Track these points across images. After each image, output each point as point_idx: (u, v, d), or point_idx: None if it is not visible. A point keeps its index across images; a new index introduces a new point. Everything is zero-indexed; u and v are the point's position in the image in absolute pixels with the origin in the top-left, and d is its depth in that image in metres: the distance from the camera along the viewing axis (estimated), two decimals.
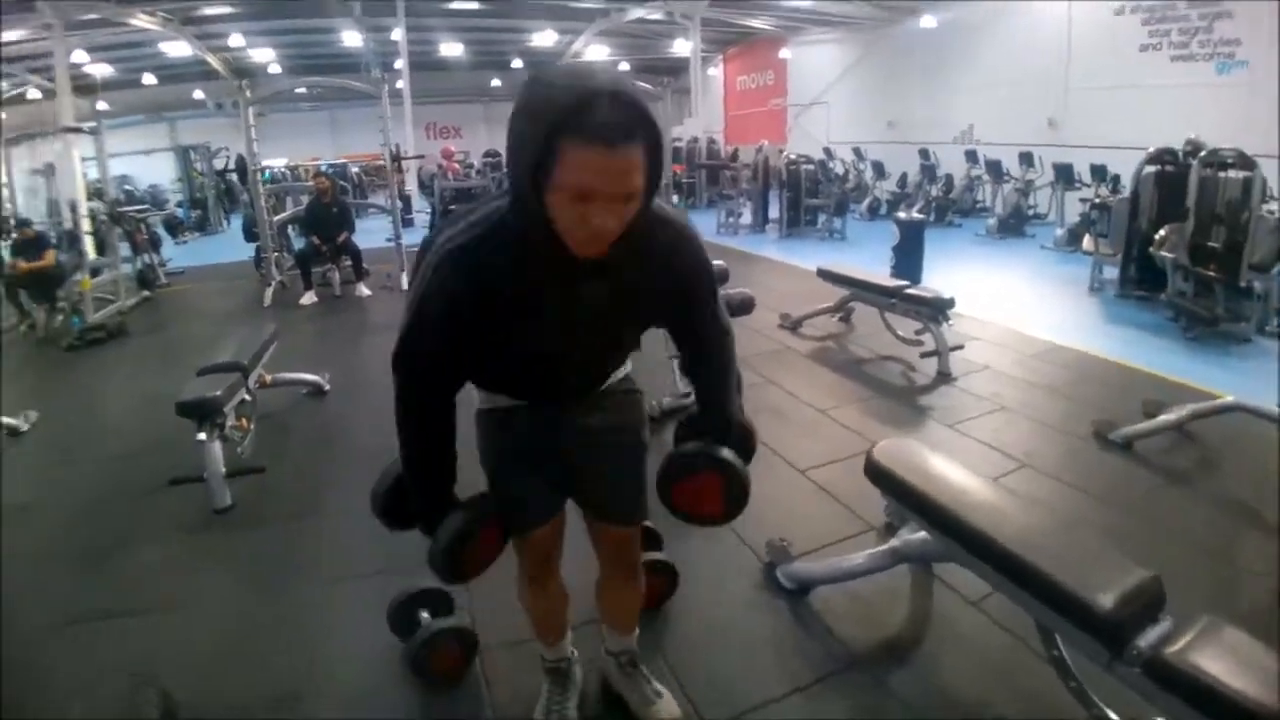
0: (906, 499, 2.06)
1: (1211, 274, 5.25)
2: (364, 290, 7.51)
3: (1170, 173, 5.97)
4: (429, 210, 11.99)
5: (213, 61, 15.64)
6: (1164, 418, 3.40)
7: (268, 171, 13.57)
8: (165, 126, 20.04)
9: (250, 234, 8.63)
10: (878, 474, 2.17)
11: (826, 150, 14.05)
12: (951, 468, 2.14)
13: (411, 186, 14.13)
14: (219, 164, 16.13)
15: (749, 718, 1.86)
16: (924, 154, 12.24)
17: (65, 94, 10.59)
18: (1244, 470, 3.10)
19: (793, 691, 1.93)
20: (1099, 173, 8.93)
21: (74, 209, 8.37)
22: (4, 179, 8.80)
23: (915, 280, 6.19)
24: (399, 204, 8.94)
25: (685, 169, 15.25)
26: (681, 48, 16.40)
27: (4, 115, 12.39)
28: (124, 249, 8.19)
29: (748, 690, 1.94)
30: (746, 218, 11.51)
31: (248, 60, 17.21)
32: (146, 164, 17.69)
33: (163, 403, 3.22)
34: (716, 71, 20.80)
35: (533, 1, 14.31)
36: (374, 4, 13.02)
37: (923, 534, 2.10)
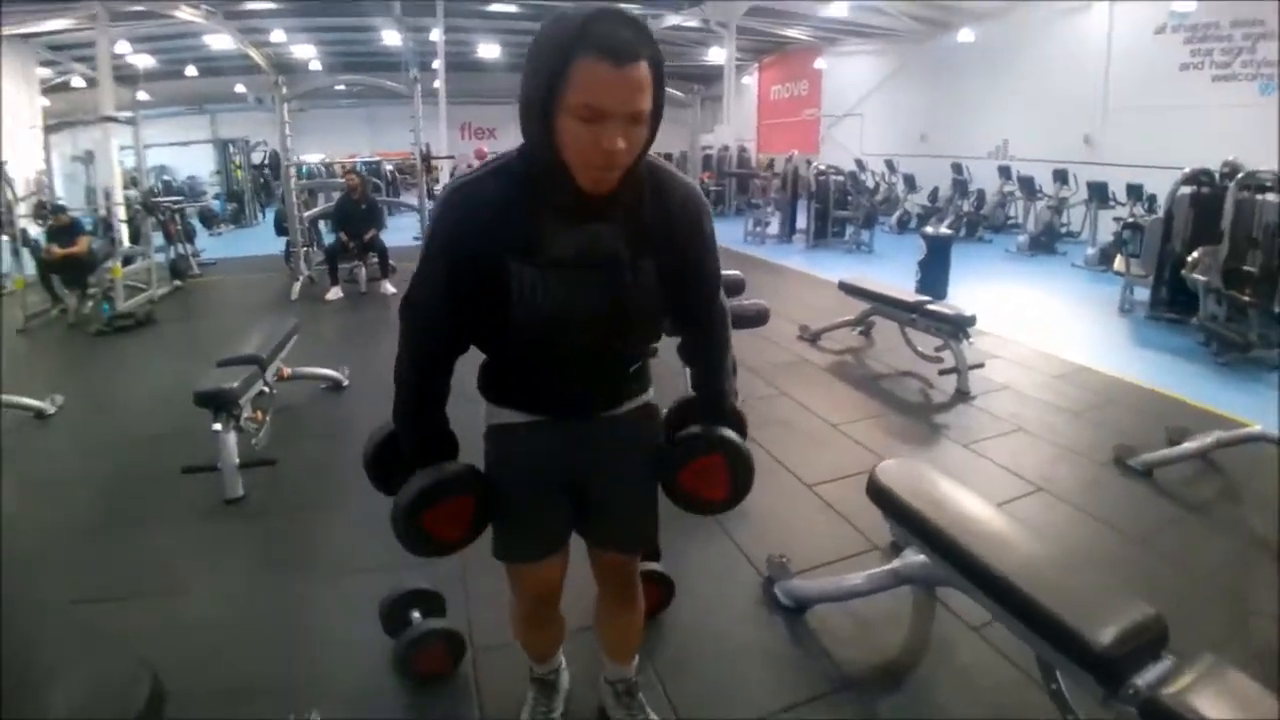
0: (907, 521, 2.02)
1: (1245, 298, 5.11)
2: (389, 288, 7.58)
3: (1206, 194, 5.84)
4: None
5: (255, 56, 15.96)
6: (1188, 445, 3.31)
7: (304, 167, 13.85)
8: (206, 118, 20.48)
9: (281, 228, 8.78)
10: (879, 494, 2.13)
11: (858, 162, 13.96)
12: (956, 490, 2.10)
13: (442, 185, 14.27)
14: (256, 158, 16.46)
15: None
16: (957, 168, 12.11)
17: (107, 83, 10.86)
18: (1267, 503, 2.99)
19: (781, 710, 1.90)
20: (1135, 192, 8.77)
21: (108, 197, 8.57)
22: (45, 165, 9.02)
23: (941, 296, 6.13)
24: (429, 203, 9.04)
25: (714, 176, 15.25)
26: (716, 55, 16.41)
27: (48, 102, 12.76)
28: (158, 239, 8.37)
29: (734, 705, 1.92)
30: (774, 227, 11.47)
31: (289, 56, 17.57)
32: (186, 155, 18.03)
33: (184, 391, 3.27)
34: (751, 80, 20.76)
35: (568, 6, 14.39)
36: (414, 4, 13.20)
37: (923, 557, 2.06)
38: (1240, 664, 1.43)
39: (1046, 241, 9.91)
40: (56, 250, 6.75)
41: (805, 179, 10.91)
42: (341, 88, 17.77)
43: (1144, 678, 1.42)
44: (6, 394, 4.18)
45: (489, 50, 17.10)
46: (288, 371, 4.23)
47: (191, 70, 17.71)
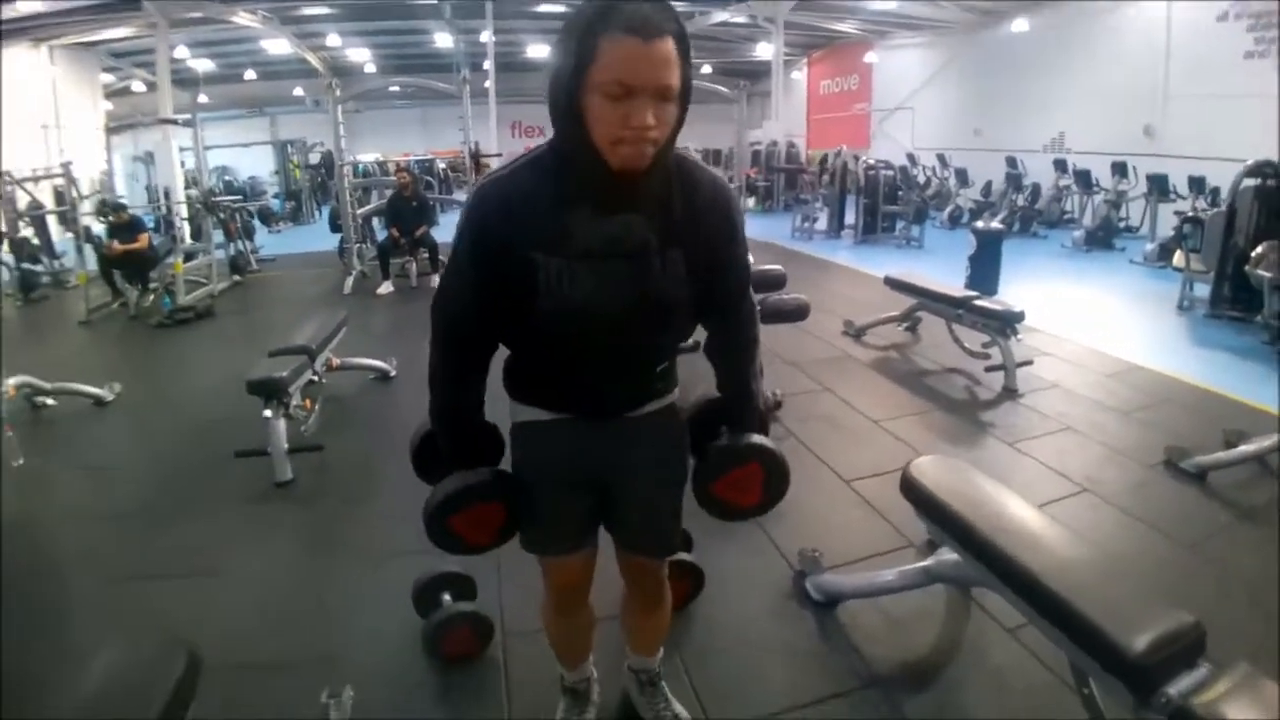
0: (939, 518, 2.00)
1: None
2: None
3: (1271, 186, 5.59)
4: None
5: (311, 59, 16.42)
6: (1244, 448, 3.18)
7: (360, 166, 14.22)
8: (266, 121, 21.16)
9: (336, 225, 9.04)
10: (913, 490, 2.11)
11: (910, 156, 13.70)
12: (992, 488, 2.06)
13: None
14: (314, 158, 16.96)
15: None
16: (1011, 162, 11.79)
17: (166, 88, 11.32)
18: None
19: (806, 704, 1.90)
20: (1196, 184, 8.42)
21: (168, 196, 8.94)
22: (107, 166, 9.47)
23: (991, 292, 6.00)
24: None
25: (761, 172, 15.13)
26: (764, 51, 16.26)
27: (110, 106, 13.34)
28: (219, 236, 8.71)
29: (759, 697, 1.93)
30: (822, 223, 11.34)
31: (345, 59, 18.03)
32: (248, 156, 18.67)
33: (238, 380, 3.43)
34: (800, 75, 20.52)
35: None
36: (464, 6, 13.40)
37: (956, 556, 2.04)
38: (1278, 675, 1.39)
39: (1103, 237, 9.57)
40: (118, 246, 7.06)
41: (854, 173, 10.77)
42: (395, 89, 18.20)
43: (1176, 686, 1.38)
44: (67, 382, 4.43)
45: (537, 50, 17.25)
46: (337, 362, 4.37)
47: (251, 74, 18.33)
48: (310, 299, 7.44)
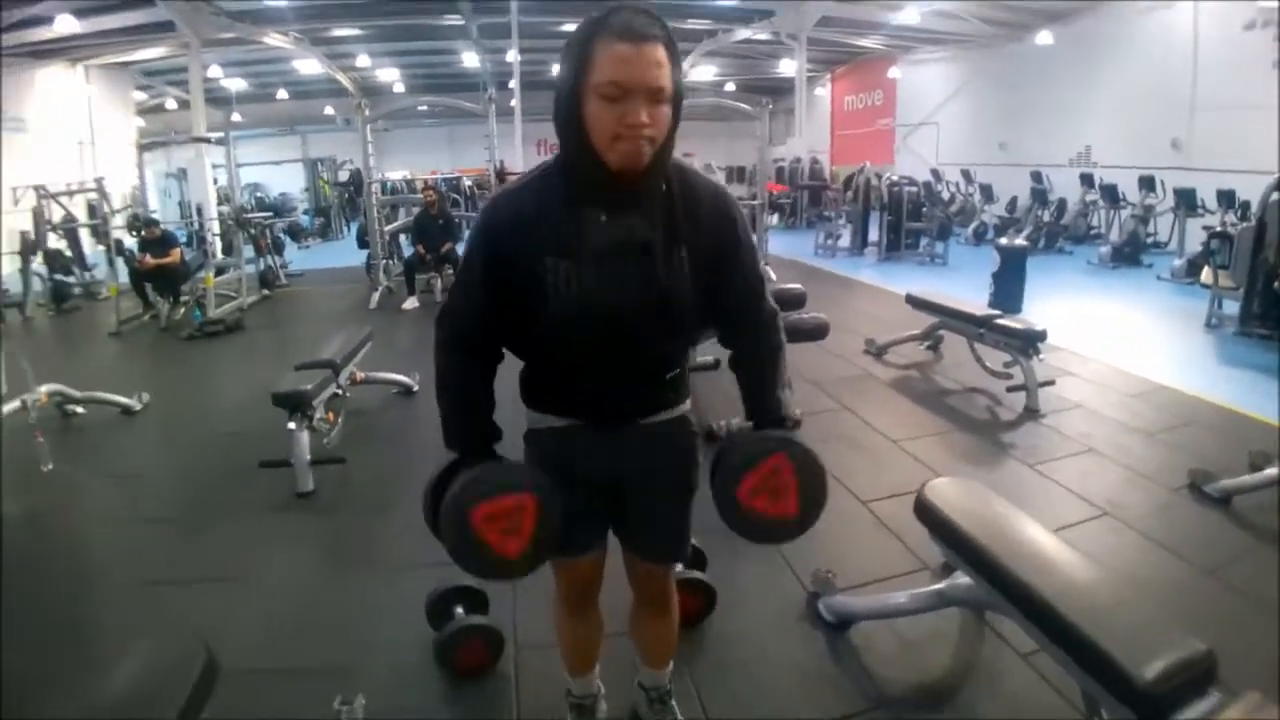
0: (952, 541, 1.99)
1: None
2: None
3: None
4: None
5: (341, 79, 16.77)
6: (1270, 471, 3.10)
7: (388, 183, 14.48)
8: (298, 139, 21.63)
9: (363, 242, 9.21)
10: (926, 512, 2.11)
11: (934, 172, 13.64)
12: (1007, 511, 2.05)
13: None
14: (343, 176, 17.30)
15: None
16: (1036, 177, 11.68)
17: (199, 106, 11.66)
18: None
19: None
20: (1226, 198, 8.28)
21: (200, 212, 9.17)
22: (139, 181, 9.76)
23: (1015, 310, 5.96)
24: None
25: (784, 188, 15.14)
26: (788, 67, 16.33)
27: (143, 123, 13.71)
28: (249, 251, 8.90)
29: (769, 717, 1.93)
30: (845, 240, 11.32)
31: (374, 79, 18.39)
32: (280, 173, 19.09)
33: (264, 392, 3.52)
34: (824, 91, 20.56)
35: None
36: (490, 26, 13.63)
37: (969, 579, 2.03)
38: None
39: (1130, 253, 9.44)
40: (149, 260, 7.26)
41: (877, 190, 10.74)
42: (423, 108, 18.52)
43: (1186, 714, 1.37)
44: (96, 391, 4.56)
45: None
46: (361, 376, 4.44)
47: (282, 93, 18.76)
48: (337, 314, 7.58)
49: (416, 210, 8.64)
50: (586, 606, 1.66)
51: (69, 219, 9.79)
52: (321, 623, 2.40)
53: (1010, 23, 13.04)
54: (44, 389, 4.13)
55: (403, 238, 9.48)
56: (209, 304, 7.05)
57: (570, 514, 1.41)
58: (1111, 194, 10.47)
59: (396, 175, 16.38)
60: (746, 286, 1.39)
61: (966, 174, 13.38)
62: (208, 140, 10.18)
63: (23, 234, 8.78)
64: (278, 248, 10.12)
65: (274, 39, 12.52)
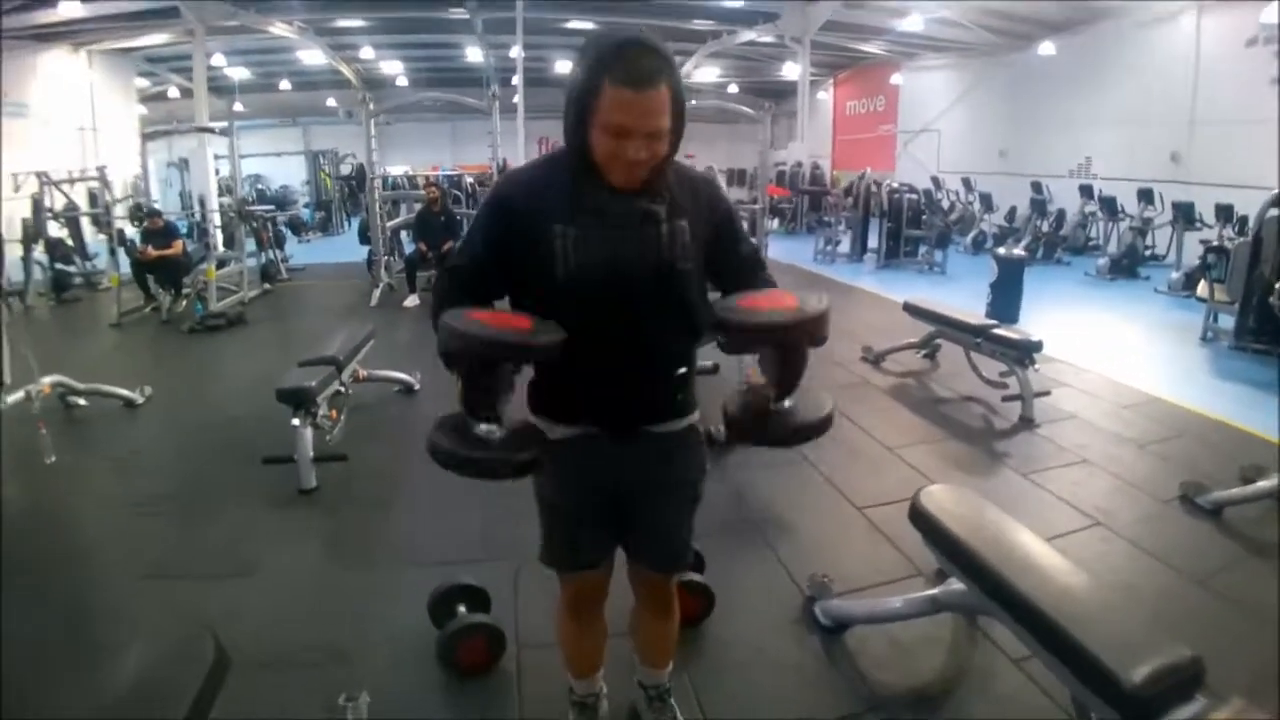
0: (945, 547, 2.03)
1: None
2: None
3: None
4: None
5: (345, 71, 16.75)
6: (1263, 484, 3.16)
7: (389, 178, 14.46)
8: (299, 131, 21.58)
9: (365, 238, 9.22)
10: (921, 518, 2.15)
11: (934, 179, 13.68)
12: (1000, 518, 2.10)
13: None
14: (345, 169, 17.26)
15: None
16: (1036, 187, 11.73)
17: (202, 96, 11.60)
18: None
19: None
20: (1224, 212, 8.34)
21: (203, 204, 9.13)
22: (141, 170, 9.71)
23: (1012, 320, 6.00)
24: None
25: (785, 193, 15.16)
26: (791, 71, 16.36)
27: (145, 111, 13.65)
28: (251, 244, 8.90)
29: (763, 717, 1.97)
30: (844, 246, 11.35)
31: (378, 71, 18.38)
32: (280, 165, 19.04)
33: (268, 387, 3.55)
34: (826, 96, 20.60)
35: (645, 22, 14.63)
36: (495, 22, 13.64)
37: (962, 585, 2.07)
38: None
39: (1128, 265, 9.50)
40: (151, 251, 7.27)
41: (877, 196, 10.77)
42: (426, 102, 18.51)
43: (1172, 718, 1.42)
44: (99, 384, 4.57)
45: (565, 67, 17.45)
46: (364, 373, 4.47)
47: (285, 84, 18.72)
48: (338, 309, 7.60)
49: (417, 206, 8.65)
50: (592, 616, 1.69)
51: (70, 207, 9.76)
52: (324, 619, 2.43)
53: (1013, 32, 13.10)
54: (47, 380, 4.15)
55: (404, 234, 9.49)
56: (210, 297, 7.06)
57: (580, 530, 1.48)
58: (1110, 206, 10.53)
59: (397, 170, 16.36)
60: (751, 250, 1.52)
61: (967, 182, 13.43)
62: (211, 130, 10.15)
63: (24, 221, 8.76)
64: (279, 241, 10.12)
65: (279, 28, 12.50)
